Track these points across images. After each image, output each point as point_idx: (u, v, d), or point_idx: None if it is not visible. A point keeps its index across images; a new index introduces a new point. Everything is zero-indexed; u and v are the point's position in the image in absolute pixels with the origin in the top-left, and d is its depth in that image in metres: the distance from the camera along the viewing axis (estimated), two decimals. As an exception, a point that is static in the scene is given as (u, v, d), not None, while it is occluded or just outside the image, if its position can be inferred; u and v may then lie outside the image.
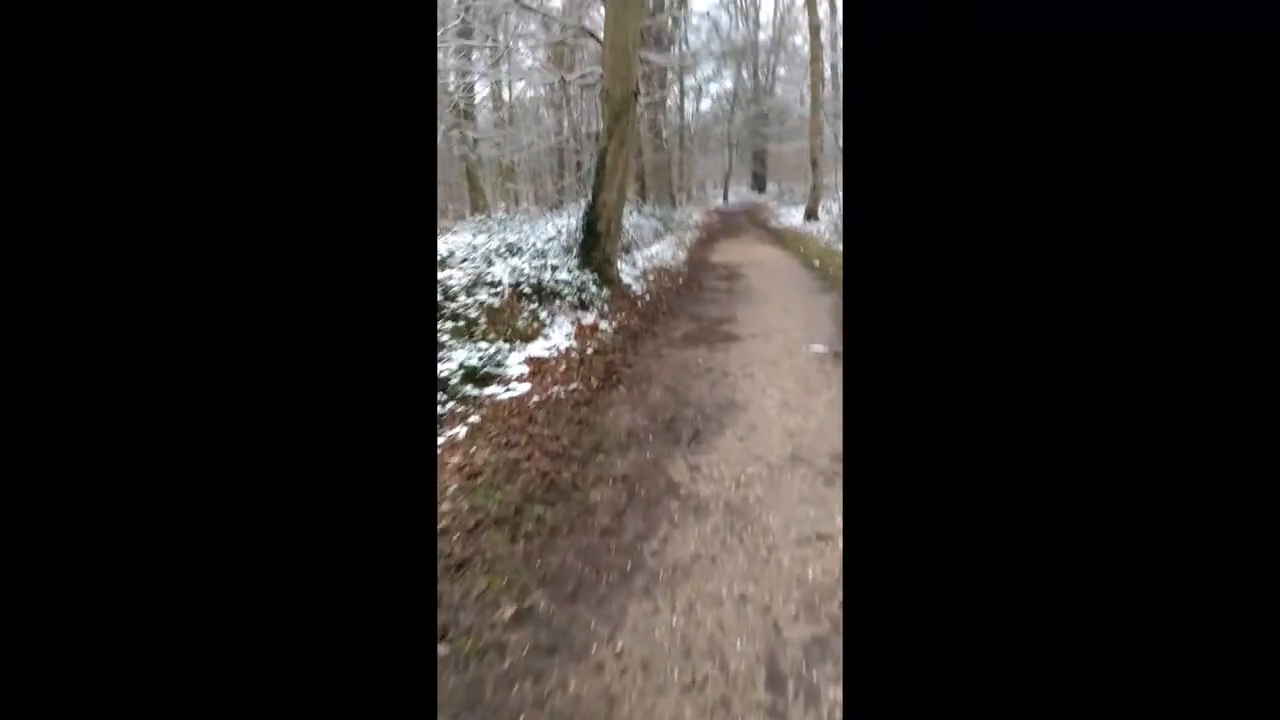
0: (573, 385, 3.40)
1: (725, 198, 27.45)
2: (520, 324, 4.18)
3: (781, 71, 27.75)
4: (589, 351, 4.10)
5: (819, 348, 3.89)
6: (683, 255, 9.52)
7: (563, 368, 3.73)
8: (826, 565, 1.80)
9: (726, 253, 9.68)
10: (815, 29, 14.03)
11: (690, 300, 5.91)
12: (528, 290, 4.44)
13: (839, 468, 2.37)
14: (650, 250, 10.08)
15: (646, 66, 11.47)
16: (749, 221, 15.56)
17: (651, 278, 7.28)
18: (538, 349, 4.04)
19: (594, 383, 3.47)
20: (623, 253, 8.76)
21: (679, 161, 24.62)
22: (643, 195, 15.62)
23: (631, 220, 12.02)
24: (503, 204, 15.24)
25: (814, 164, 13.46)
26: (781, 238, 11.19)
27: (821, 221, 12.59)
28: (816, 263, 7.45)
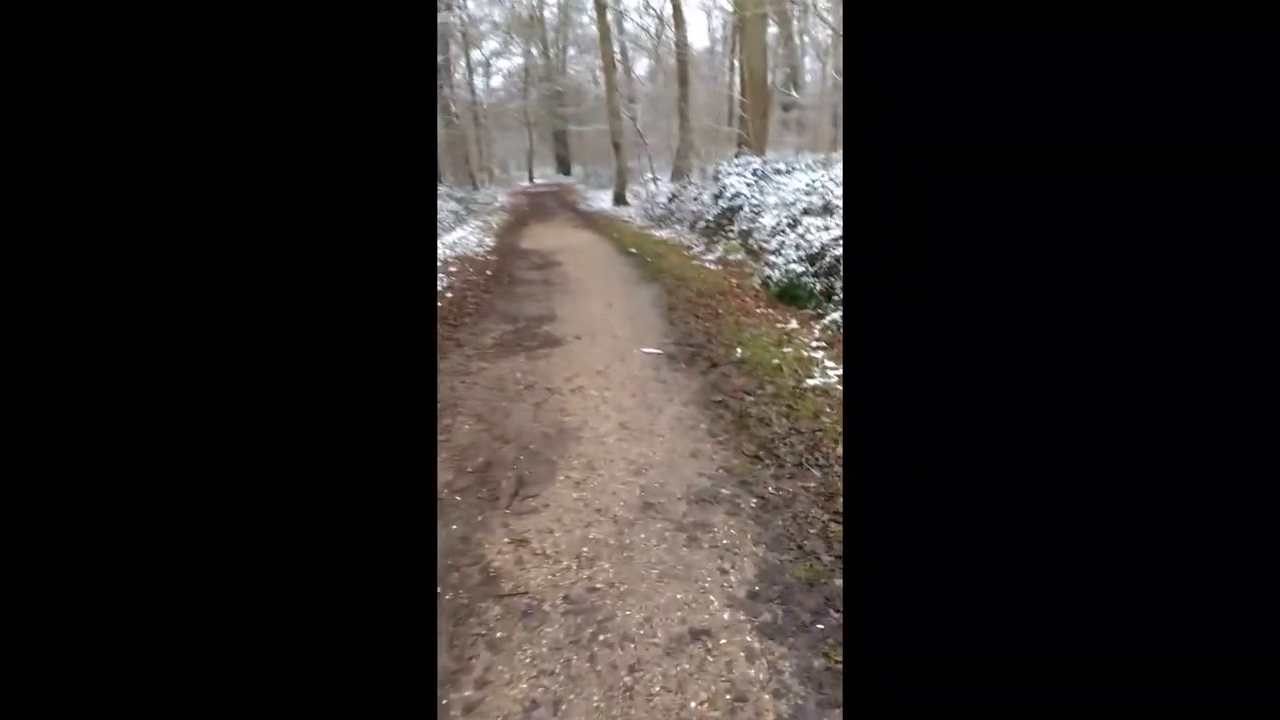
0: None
1: (530, 178, 26.43)
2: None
3: (572, 52, 27.32)
4: (373, 374, 3.21)
5: (651, 350, 3.46)
6: (490, 241, 8.61)
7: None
8: (711, 684, 1.31)
9: (538, 238, 8.97)
10: (602, 7, 13.67)
11: (502, 295, 5.16)
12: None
13: (699, 515, 1.92)
14: (451, 237, 8.98)
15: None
16: (558, 204, 14.93)
17: (454, 270, 6.34)
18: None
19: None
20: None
21: (475, 140, 23.02)
22: (437, 175, 14.12)
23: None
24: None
25: (617, 148, 13.24)
26: (593, 222, 10.77)
27: (631, 206, 12.43)
28: (633, 249, 7.11)
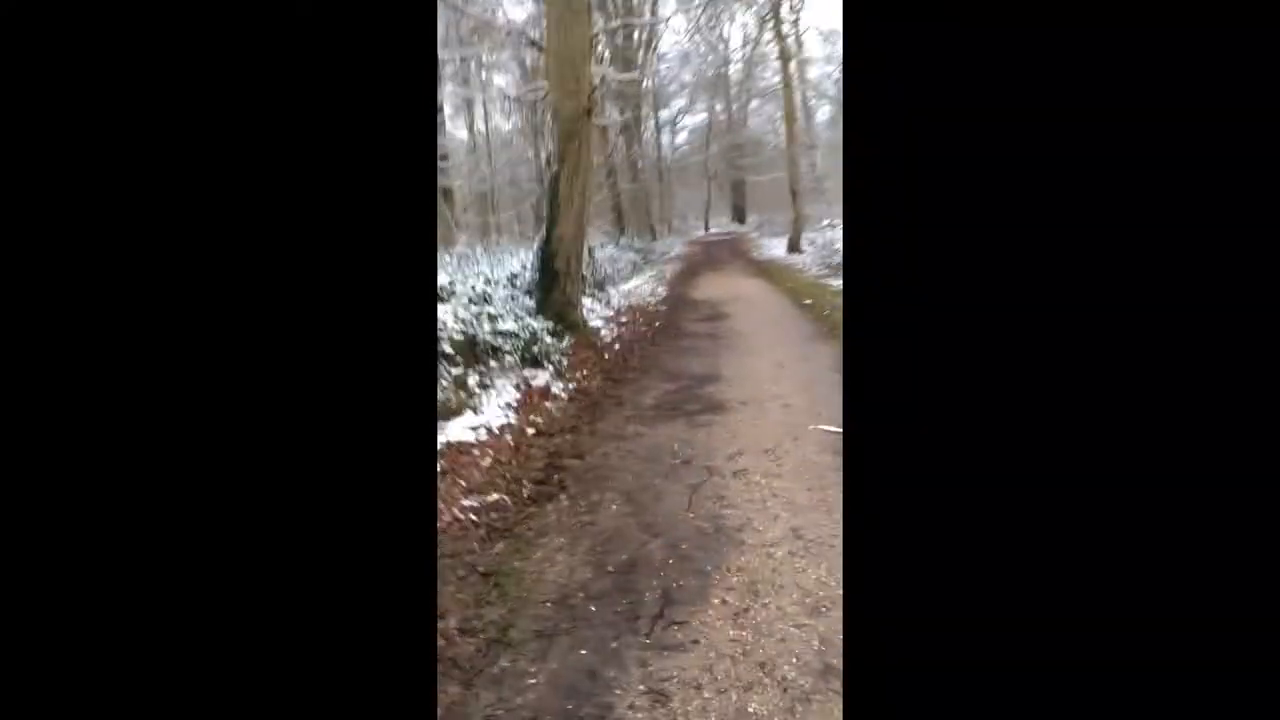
0: (491, 497, 2.35)
1: (706, 228, 26.85)
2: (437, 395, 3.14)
3: (754, 104, 27.54)
4: (529, 433, 3.07)
5: (830, 429, 2.89)
6: (662, 291, 8.59)
7: (486, 462, 2.69)
8: None
9: (709, 287, 8.76)
10: (786, 58, 13.45)
11: (668, 349, 4.92)
12: (448, 349, 3.40)
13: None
14: (627, 286, 9.14)
15: (608, 88, 10.70)
16: (731, 253, 14.75)
17: (624, 320, 6.30)
18: (458, 430, 3.00)
19: (525, 491, 2.43)
20: (595, 289, 7.81)
21: (658, 194, 24.02)
22: (620, 227, 14.80)
23: (606, 253, 11.13)
24: (477, 237, 14.30)
25: (794, 194, 12.73)
26: (766, 270, 10.33)
27: (806, 254, 11.77)
28: (808, 301, 6.52)
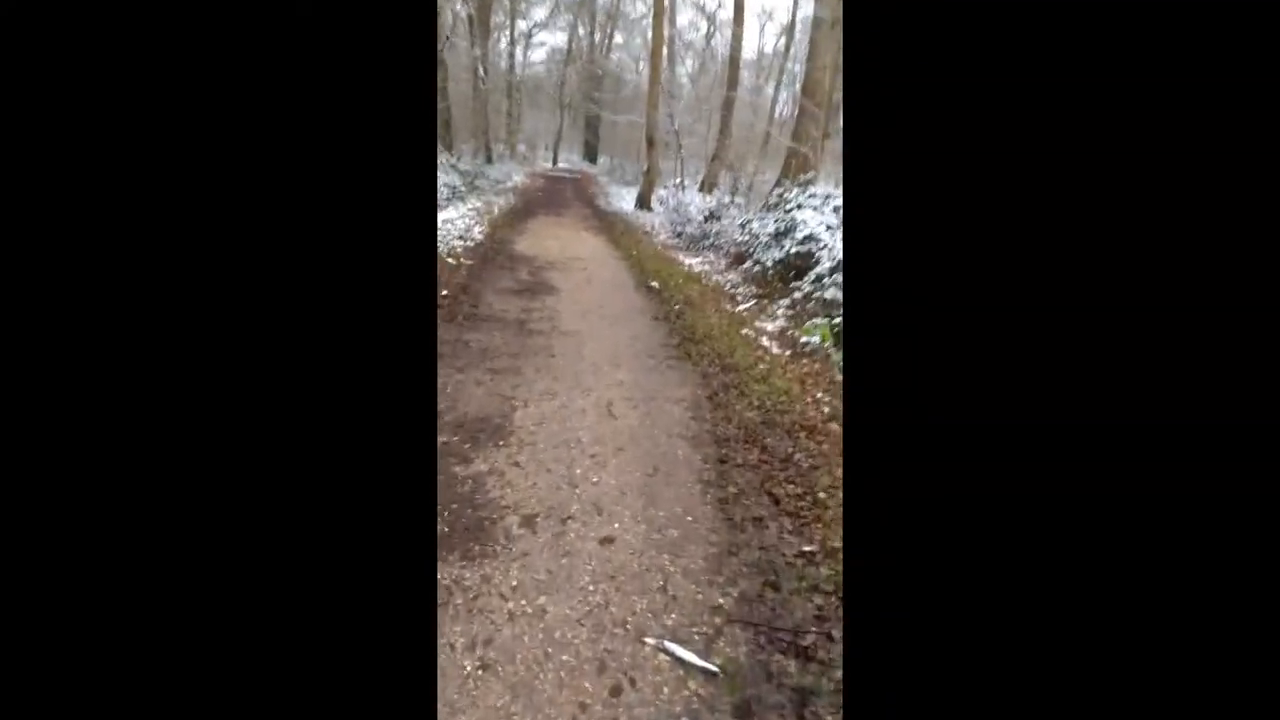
0: None
1: (555, 161, 24.22)
2: None
3: (619, 39, 25.06)
4: None
5: (678, 652, 1.37)
6: (478, 233, 6.56)
7: None
8: None
9: (540, 237, 6.92)
10: (659, 13, 11.48)
11: (453, 343, 3.15)
12: None
13: None
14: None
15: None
16: (575, 195, 12.82)
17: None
18: None
19: None
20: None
21: (504, 111, 20.79)
22: (447, 142, 11.98)
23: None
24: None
25: (650, 143, 11.14)
26: (610, 225, 8.71)
27: (655, 213, 10.34)
28: (655, 282, 5.09)
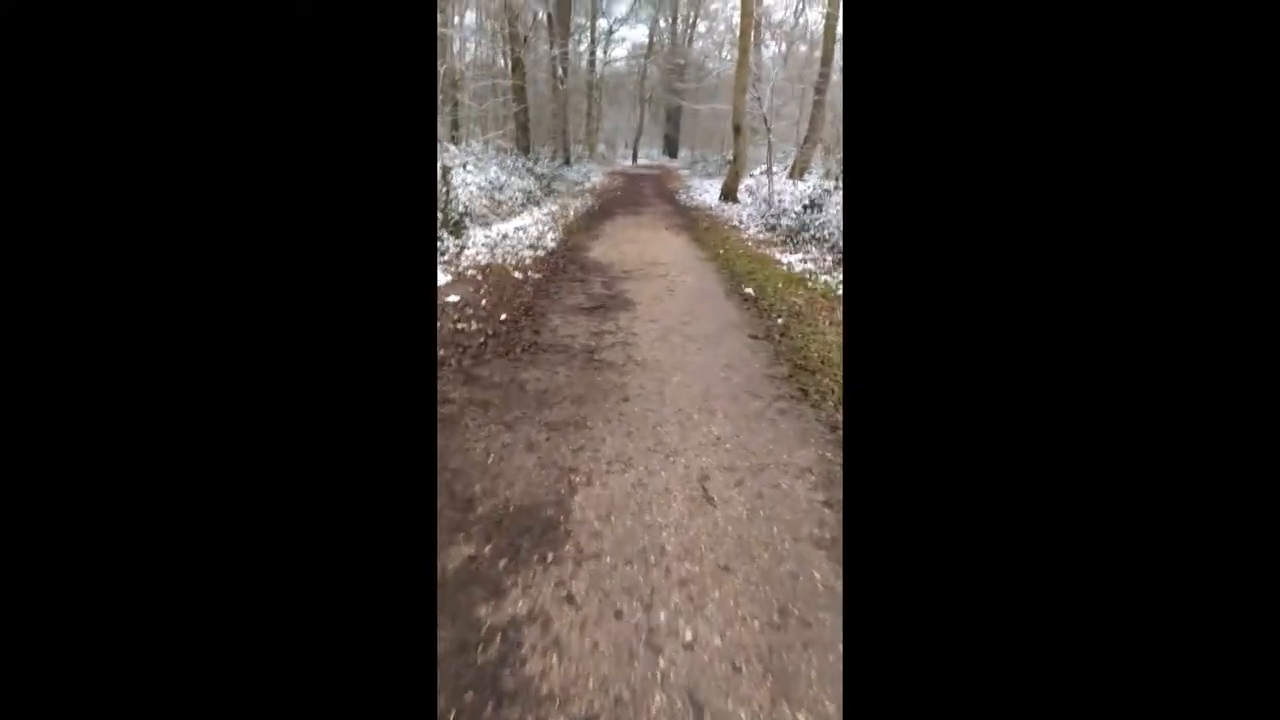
0: None
1: (634, 158, 23.68)
2: None
3: (702, 28, 24.00)
4: None
5: None
6: (551, 240, 6.01)
7: None
8: None
9: (616, 241, 6.27)
10: None
11: (505, 386, 2.53)
12: None
13: None
14: (504, 226, 6.47)
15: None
16: (655, 191, 12.11)
17: (452, 300, 3.76)
18: None
19: None
20: (447, 230, 5.11)
21: (584, 112, 20.48)
22: (524, 145, 11.67)
23: (488, 176, 8.24)
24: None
25: (737, 130, 10.19)
26: (694, 223, 7.91)
27: (743, 205, 9.41)
28: (750, 289, 4.26)
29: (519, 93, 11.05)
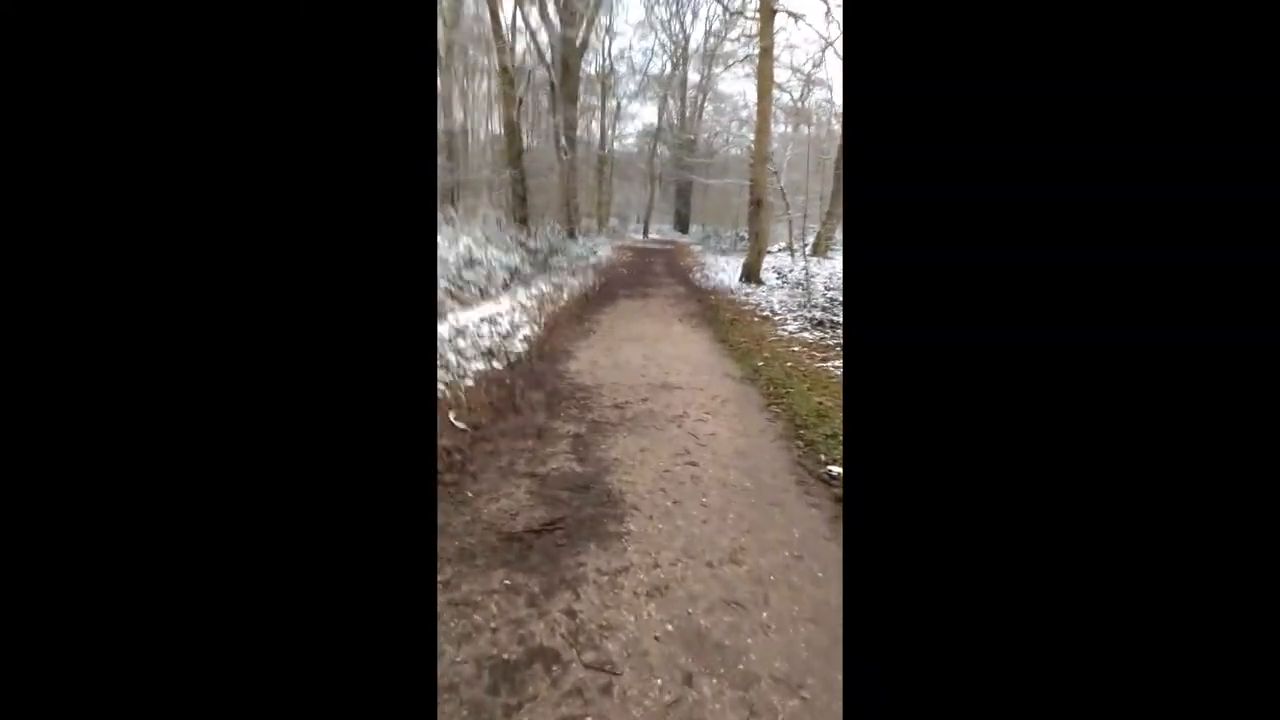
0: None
1: (645, 232, 22.57)
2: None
3: (710, 110, 23.56)
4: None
5: None
6: (524, 338, 4.22)
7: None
8: None
9: (613, 340, 4.46)
10: (768, 50, 9.24)
11: None
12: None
13: None
14: (472, 314, 4.71)
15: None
16: (667, 269, 10.50)
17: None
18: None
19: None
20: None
21: (597, 187, 19.52)
22: (520, 215, 10.21)
23: (460, 248, 6.57)
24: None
25: (758, 204, 8.62)
26: (715, 311, 6.14)
27: (770, 287, 7.67)
28: (813, 436, 2.36)
29: (513, 158, 9.71)
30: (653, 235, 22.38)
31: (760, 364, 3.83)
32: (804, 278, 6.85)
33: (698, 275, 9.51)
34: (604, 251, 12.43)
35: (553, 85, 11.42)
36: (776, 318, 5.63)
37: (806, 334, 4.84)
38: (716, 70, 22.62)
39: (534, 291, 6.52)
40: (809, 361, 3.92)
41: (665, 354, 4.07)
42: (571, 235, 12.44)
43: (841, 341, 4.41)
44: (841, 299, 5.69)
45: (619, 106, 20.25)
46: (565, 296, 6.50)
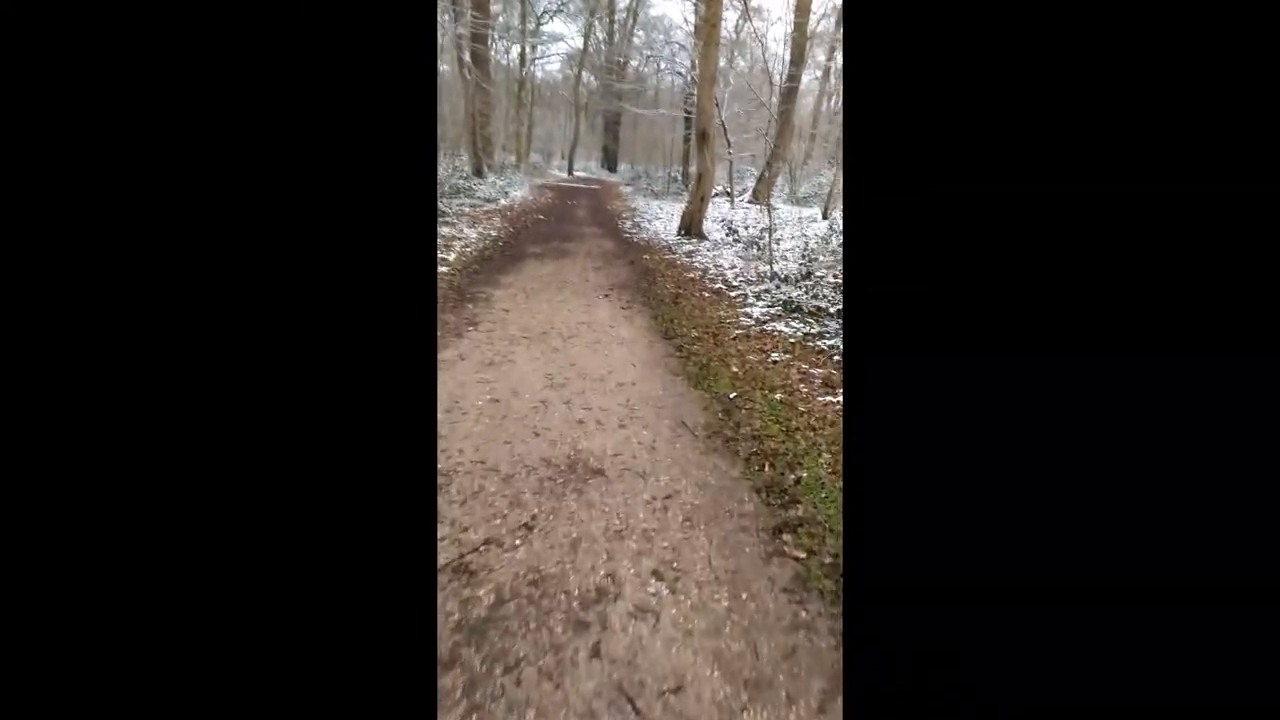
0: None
1: (570, 169, 20.01)
2: None
3: (639, 35, 20.67)
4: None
5: None
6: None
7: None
8: None
9: (509, 334, 2.80)
10: None
11: None
12: None
13: None
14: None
15: None
16: (591, 215, 8.61)
17: None
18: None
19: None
20: None
21: (512, 117, 16.67)
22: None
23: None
24: None
25: (702, 138, 6.86)
26: (652, 279, 4.53)
27: (715, 242, 5.99)
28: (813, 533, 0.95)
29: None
30: (578, 173, 19.88)
31: (733, 394, 2.33)
32: (760, 234, 5.35)
33: (628, 224, 7.75)
34: (519, 192, 10.25)
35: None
36: (734, 293, 4.11)
37: (781, 325, 3.37)
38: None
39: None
40: (805, 388, 2.45)
41: (583, 371, 2.48)
42: (478, 173, 10.12)
43: (839, 347, 2.98)
44: (813, 269, 4.27)
45: (539, 21, 17.05)
46: (452, 257, 4.63)
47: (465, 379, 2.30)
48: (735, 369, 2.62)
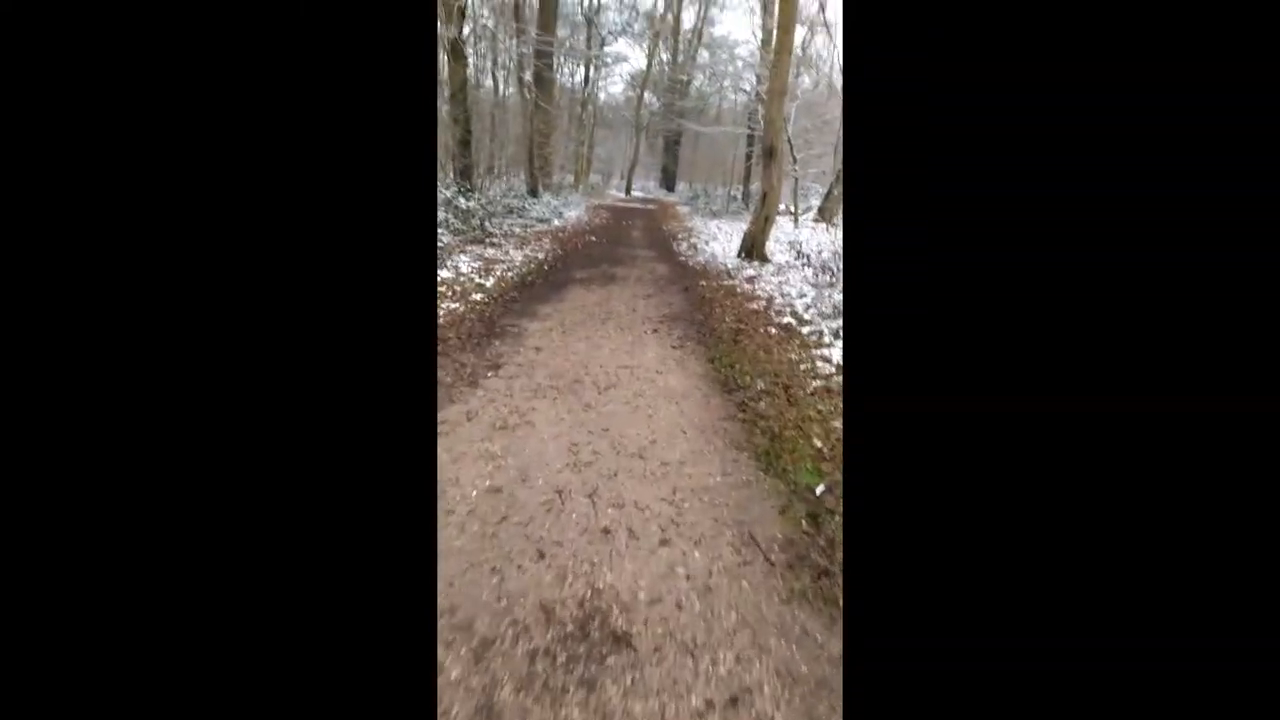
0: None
1: (628, 189, 19.76)
2: None
3: (703, 55, 20.27)
4: None
5: None
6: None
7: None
8: None
9: (533, 384, 2.25)
10: None
11: None
12: None
13: None
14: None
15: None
16: (646, 236, 8.11)
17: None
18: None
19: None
20: None
21: (576, 139, 16.63)
22: (461, 168, 7.64)
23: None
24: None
25: (769, 154, 6.20)
26: (709, 311, 3.90)
27: (780, 266, 5.24)
28: None
29: (454, 91, 7.07)
30: (636, 193, 19.63)
31: (820, 486, 1.67)
32: (831, 257, 4.61)
33: (684, 245, 7.17)
34: (573, 212, 9.94)
35: (518, 3, 8.62)
36: (807, 329, 3.42)
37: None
38: (714, 11, 19.34)
39: (441, 276, 4.23)
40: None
41: (618, 441, 1.89)
42: (534, 192, 9.89)
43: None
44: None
45: (603, 42, 16.99)
46: (490, 283, 4.21)
47: (465, 450, 1.76)
48: (819, 443, 1.95)
